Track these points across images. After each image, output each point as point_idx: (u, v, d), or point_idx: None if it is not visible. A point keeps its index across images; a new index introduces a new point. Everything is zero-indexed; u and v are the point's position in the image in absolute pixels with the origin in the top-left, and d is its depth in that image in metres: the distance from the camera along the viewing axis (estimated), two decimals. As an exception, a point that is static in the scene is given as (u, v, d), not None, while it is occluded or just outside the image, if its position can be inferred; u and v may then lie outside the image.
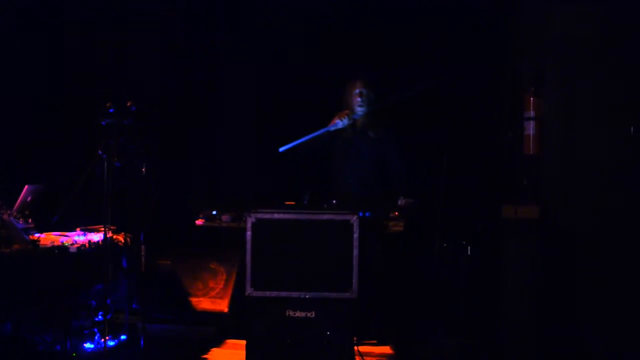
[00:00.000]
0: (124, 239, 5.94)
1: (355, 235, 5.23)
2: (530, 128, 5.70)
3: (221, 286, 6.71)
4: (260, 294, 5.27)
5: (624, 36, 5.54)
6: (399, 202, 5.76)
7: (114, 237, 5.83)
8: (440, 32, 6.73)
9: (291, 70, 7.10)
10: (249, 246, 5.28)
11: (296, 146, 6.16)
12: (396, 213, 5.65)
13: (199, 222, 5.78)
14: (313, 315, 5.25)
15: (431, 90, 6.27)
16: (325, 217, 5.30)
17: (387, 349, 6.18)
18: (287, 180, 6.71)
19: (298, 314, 5.26)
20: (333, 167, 6.41)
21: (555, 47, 5.67)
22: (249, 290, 5.27)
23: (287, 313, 5.26)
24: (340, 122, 6.25)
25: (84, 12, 7.17)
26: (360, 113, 6.31)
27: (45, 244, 5.54)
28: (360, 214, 5.30)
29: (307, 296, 5.25)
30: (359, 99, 6.28)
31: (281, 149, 6.16)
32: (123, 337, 5.91)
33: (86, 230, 5.94)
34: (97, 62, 7.17)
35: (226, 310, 6.62)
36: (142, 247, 5.80)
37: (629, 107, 5.49)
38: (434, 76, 6.12)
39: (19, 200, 5.76)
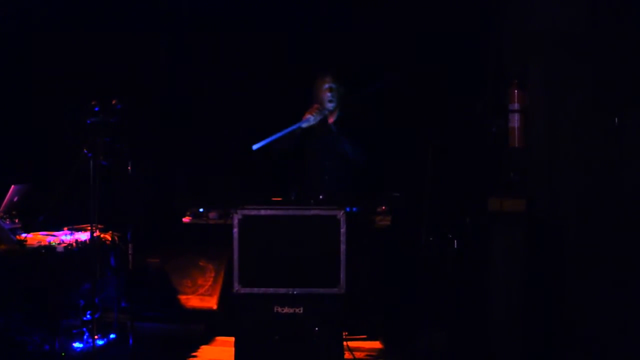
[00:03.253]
0: (112, 238, 5.93)
1: (343, 231, 5.24)
2: (515, 120, 5.70)
3: (210, 283, 6.71)
4: (248, 290, 5.27)
5: (608, 27, 5.53)
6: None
7: (102, 235, 5.82)
8: (424, 23, 6.73)
9: (274, 67, 7.10)
10: (236, 243, 5.27)
11: (271, 144, 6.14)
12: (383, 208, 5.66)
13: (186, 219, 5.79)
14: (301, 311, 5.26)
15: (413, 83, 6.29)
16: (312, 212, 5.31)
17: (376, 344, 6.20)
18: (274, 176, 6.71)
19: (286, 310, 5.26)
20: (306, 163, 6.40)
21: (539, 38, 5.67)
22: (236, 287, 5.27)
23: (275, 309, 5.26)
24: (312, 117, 6.23)
25: (70, 9, 7.17)
26: (331, 108, 6.30)
27: (32, 244, 5.52)
28: (347, 209, 5.31)
29: (294, 292, 5.26)
30: (329, 94, 6.28)
31: (255, 147, 6.15)
32: (112, 336, 5.89)
33: (73, 229, 5.92)
34: (82, 59, 7.15)
35: (215, 307, 6.62)
36: (130, 245, 5.79)
37: (613, 99, 5.49)
38: (414, 68, 6.13)
39: (5, 201, 5.74)
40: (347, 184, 6.18)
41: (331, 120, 6.33)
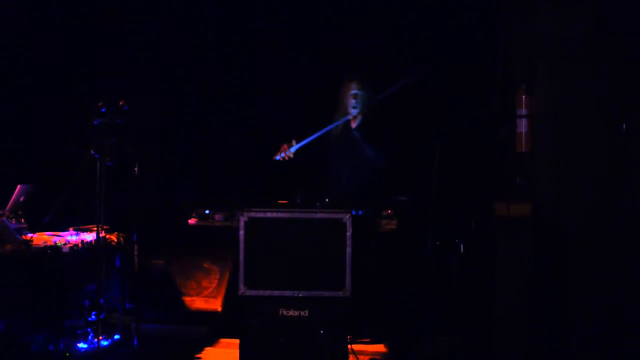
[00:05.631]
0: (117, 239, 5.94)
1: (348, 234, 5.23)
2: (523, 126, 5.70)
3: (214, 285, 6.71)
4: (253, 292, 5.26)
5: (614, 32, 5.54)
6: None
7: (107, 236, 5.82)
8: (432, 29, 6.74)
9: (285, 68, 7.11)
10: (241, 245, 5.27)
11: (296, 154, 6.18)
12: (389, 211, 5.65)
13: (191, 221, 5.77)
14: (306, 314, 5.24)
15: (423, 88, 6.28)
16: (318, 215, 5.30)
17: (380, 348, 6.19)
18: (280, 179, 6.71)
19: (291, 312, 5.25)
20: (328, 168, 6.40)
21: (546, 44, 5.67)
22: (242, 289, 5.27)
23: (280, 312, 5.25)
24: (281, 156, 6.19)
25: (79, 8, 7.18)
26: (355, 113, 6.31)
27: (38, 244, 5.53)
28: (353, 213, 5.30)
29: (300, 295, 5.25)
30: (353, 101, 6.28)
31: (276, 157, 6.17)
32: (117, 336, 5.90)
33: (79, 230, 5.93)
34: (89, 59, 7.16)
35: (220, 309, 6.62)
36: (135, 246, 5.79)
37: (620, 104, 5.49)
38: (425, 73, 6.12)
39: (11, 200, 5.75)
40: (366, 189, 6.16)
41: (353, 125, 6.34)
